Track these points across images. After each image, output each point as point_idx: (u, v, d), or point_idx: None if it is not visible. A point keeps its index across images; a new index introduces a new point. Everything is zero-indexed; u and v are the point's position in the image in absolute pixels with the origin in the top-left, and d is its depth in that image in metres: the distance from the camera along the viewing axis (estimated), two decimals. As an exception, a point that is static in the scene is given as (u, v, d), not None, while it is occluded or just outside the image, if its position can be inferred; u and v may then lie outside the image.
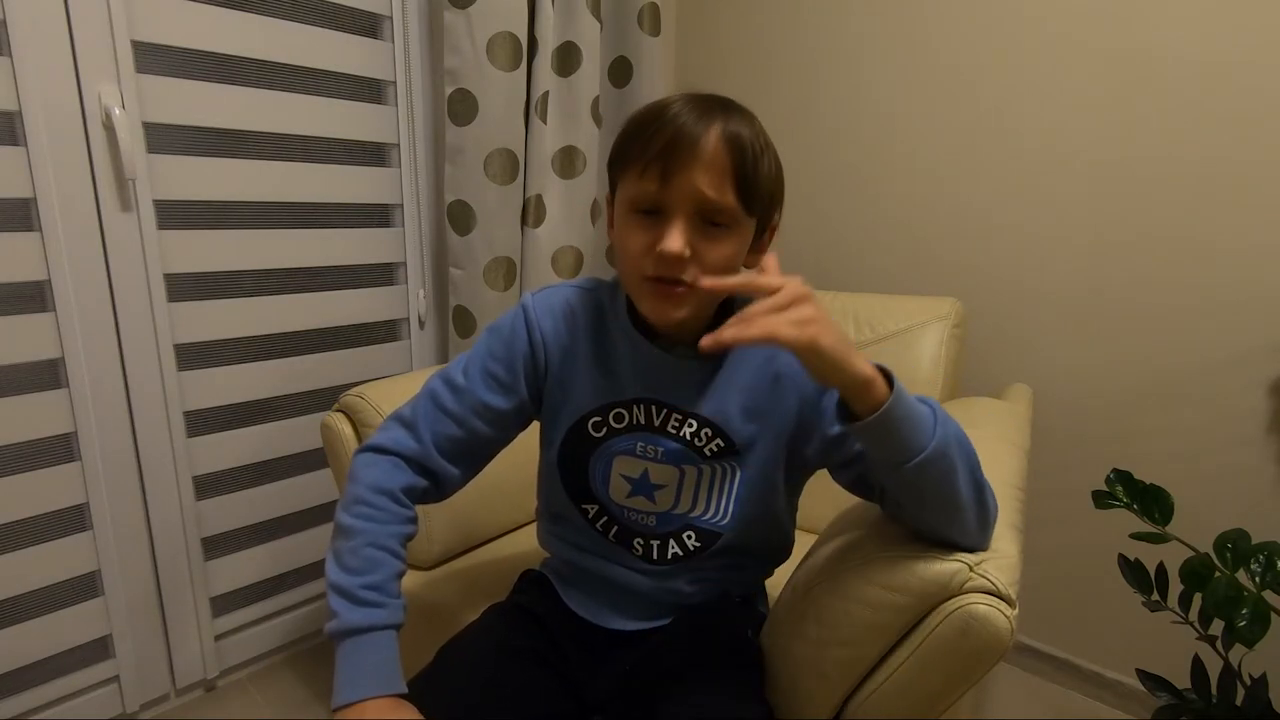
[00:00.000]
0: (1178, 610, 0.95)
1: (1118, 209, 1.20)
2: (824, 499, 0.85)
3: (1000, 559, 0.61)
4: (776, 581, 0.81)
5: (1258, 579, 0.85)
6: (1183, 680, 0.97)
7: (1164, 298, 1.18)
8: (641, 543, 0.77)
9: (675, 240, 0.62)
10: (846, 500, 0.75)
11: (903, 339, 1.23)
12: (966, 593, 0.59)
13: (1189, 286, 1.16)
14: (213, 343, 1.21)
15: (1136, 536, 0.94)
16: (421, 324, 1.46)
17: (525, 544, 1.11)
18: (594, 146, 1.46)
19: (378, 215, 1.39)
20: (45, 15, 0.96)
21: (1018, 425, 1.00)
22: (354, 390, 1.03)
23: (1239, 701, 0.91)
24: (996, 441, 0.90)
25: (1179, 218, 1.15)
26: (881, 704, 0.64)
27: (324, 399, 1.36)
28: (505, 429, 0.76)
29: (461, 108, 1.27)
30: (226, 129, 1.15)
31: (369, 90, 1.33)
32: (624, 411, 0.74)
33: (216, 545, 1.28)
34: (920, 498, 0.59)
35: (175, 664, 1.25)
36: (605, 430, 0.75)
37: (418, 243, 1.42)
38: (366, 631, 0.63)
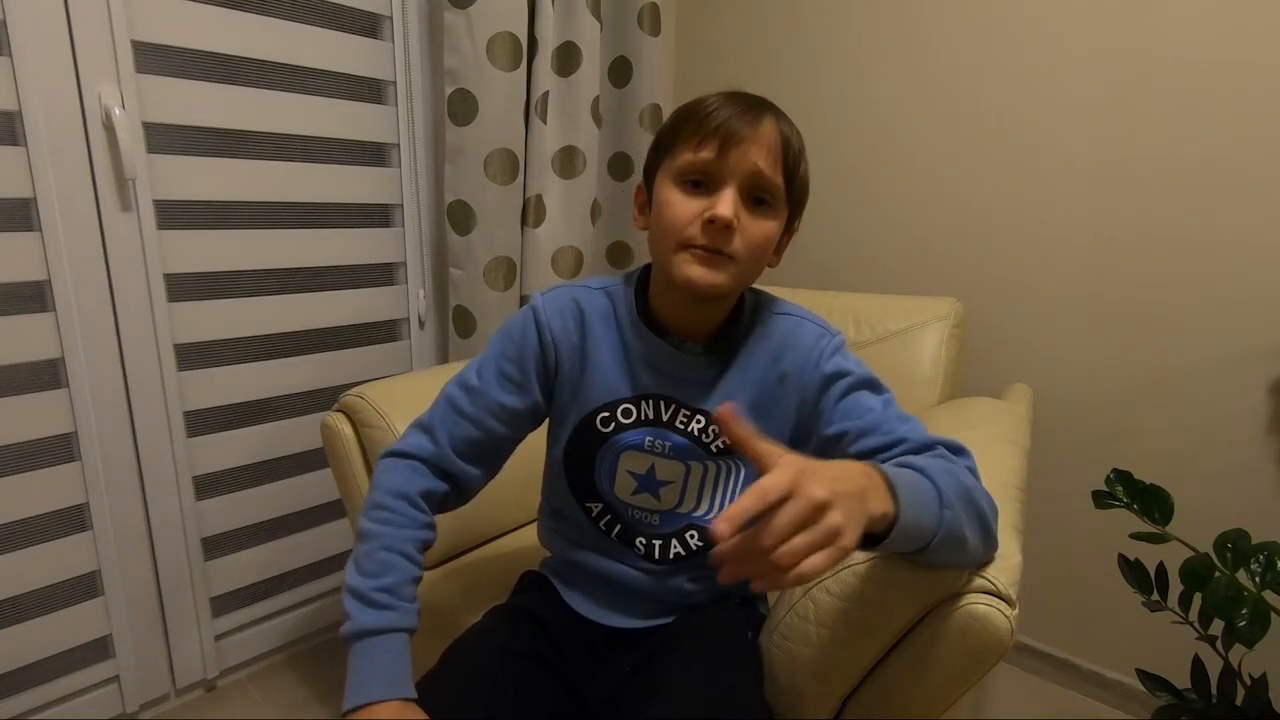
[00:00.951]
0: (1178, 610, 0.95)
1: (1118, 209, 1.20)
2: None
3: (1000, 559, 0.61)
4: (776, 581, 0.81)
5: (1258, 579, 0.85)
6: (1183, 680, 0.97)
7: (1164, 298, 1.18)
8: (644, 541, 0.77)
9: (727, 204, 0.65)
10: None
11: (903, 339, 1.23)
12: (966, 593, 0.59)
13: (1189, 286, 1.16)
14: (213, 343, 1.21)
15: (1136, 536, 0.94)
16: (421, 324, 1.46)
17: (526, 543, 1.11)
18: (594, 146, 1.46)
19: (378, 215, 1.39)
20: (45, 15, 0.96)
21: (1018, 425, 1.00)
22: (354, 390, 1.03)
23: (1239, 701, 0.91)
24: (996, 441, 0.90)
25: (1179, 218, 1.15)
26: (881, 704, 0.64)
27: (324, 399, 1.36)
28: (520, 428, 0.78)
29: (461, 108, 1.27)
30: (226, 129, 1.15)
31: (369, 90, 1.33)
32: (632, 407, 0.75)
33: (216, 545, 1.28)
34: (933, 562, 0.59)
35: (175, 664, 1.25)
36: (613, 425, 0.75)
37: (418, 243, 1.42)
38: (377, 634, 0.64)
